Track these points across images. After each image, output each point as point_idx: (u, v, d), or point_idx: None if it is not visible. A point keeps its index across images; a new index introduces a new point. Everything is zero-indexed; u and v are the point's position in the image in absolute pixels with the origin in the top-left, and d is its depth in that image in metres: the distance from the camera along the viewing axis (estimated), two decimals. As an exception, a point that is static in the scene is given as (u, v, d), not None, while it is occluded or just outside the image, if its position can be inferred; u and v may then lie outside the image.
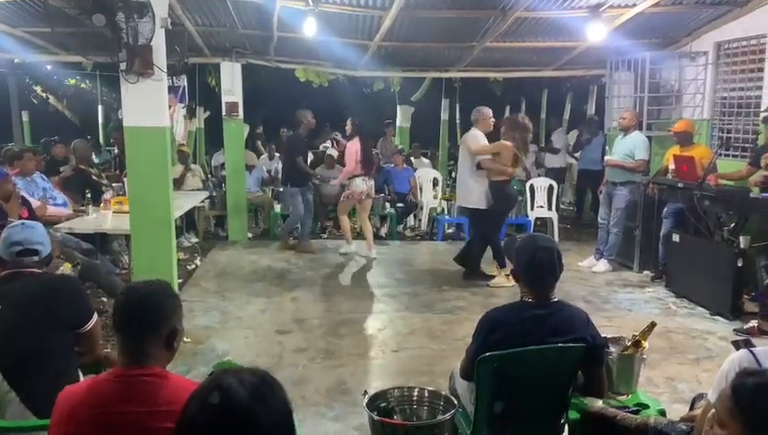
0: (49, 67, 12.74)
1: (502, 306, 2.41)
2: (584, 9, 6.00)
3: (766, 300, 4.70)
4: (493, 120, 6.16)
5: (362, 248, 7.25)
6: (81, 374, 2.43)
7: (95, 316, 2.42)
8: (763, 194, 4.90)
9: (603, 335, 2.70)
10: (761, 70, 6.10)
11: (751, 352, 1.84)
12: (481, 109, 6.17)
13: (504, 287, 5.64)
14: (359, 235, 7.66)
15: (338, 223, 8.68)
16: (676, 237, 5.70)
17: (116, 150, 9.51)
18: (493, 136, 6.14)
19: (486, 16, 6.37)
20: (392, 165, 9.46)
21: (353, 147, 6.91)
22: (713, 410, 1.25)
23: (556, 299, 2.38)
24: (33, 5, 6.06)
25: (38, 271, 2.47)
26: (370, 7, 6.04)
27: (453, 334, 4.68)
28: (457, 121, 12.91)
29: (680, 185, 5.53)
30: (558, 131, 10.51)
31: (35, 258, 2.45)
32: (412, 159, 10.18)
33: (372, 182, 7.15)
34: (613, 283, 6.17)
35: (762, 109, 5.95)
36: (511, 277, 5.63)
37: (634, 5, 5.95)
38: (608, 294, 5.77)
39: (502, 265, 5.83)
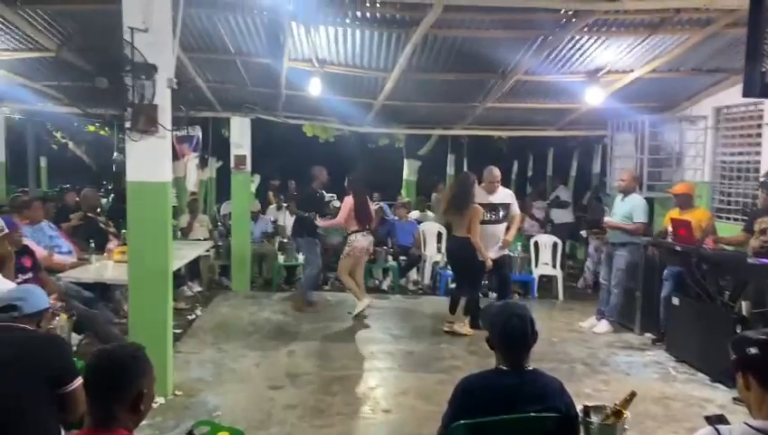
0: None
1: (477, 373, 2.42)
2: (582, 74, 6.16)
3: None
4: (496, 183, 6.37)
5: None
6: (62, 433, 2.45)
7: (79, 379, 2.41)
8: (760, 260, 4.88)
9: (585, 403, 2.69)
10: (759, 135, 6.17)
11: (716, 429, 1.84)
12: (487, 168, 6.46)
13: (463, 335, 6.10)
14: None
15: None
16: (675, 301, 5.65)
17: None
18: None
19: (487, 79, 6.56)
20: (396, 217, 9.56)
21: (347, 203, 6.91)
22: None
23: (531, 367, 2.38)
24: (50, 62, 6.36)
25: (28, 327, 2.52)
26: (373, 69, 6.25)
27: (446, 396, 4.50)
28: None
29: (678, 248, 5.53)
30: (562, 187, 10.48)
31: (14, 313, 2.53)
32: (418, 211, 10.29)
33: (371, 238, 7.13)
34: (613, 344, 6.10)
35: (761, 173, 5.99)
36: (467, 326, 6.01)
37: (631, 71, 6.11)
38: (607, 357, 5.70)
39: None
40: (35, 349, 2.45)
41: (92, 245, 5.96)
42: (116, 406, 1.60)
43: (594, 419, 2.74)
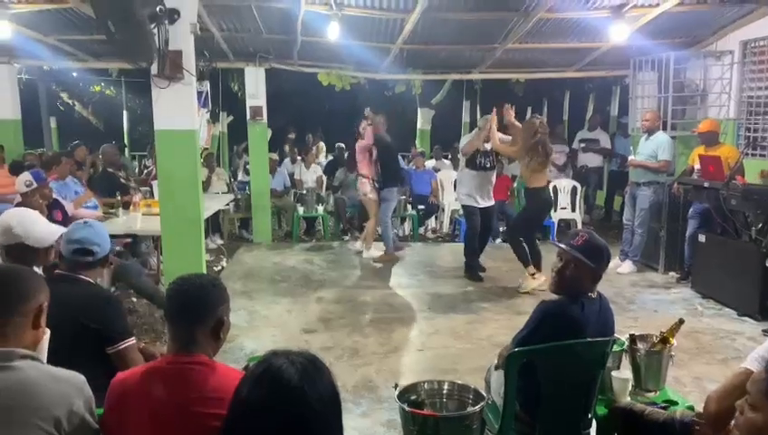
0: (75, 74, 13.06)
1: (557, 300, 2.41)
2: (607, 9, 6.00)
3: None
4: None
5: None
6: None
7: (131, 340, 2.36)
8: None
9: (631, 332, 2.73)
10: (788, 68, 6.03)
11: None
12: (484, 117, 6.44)
13: (533, 288, 5.69)
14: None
15: (359, 224, 8.84)
16: (702, 238, 5.65)
17: (148, 160, 9.72)
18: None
19: (509, 18, 6.40)
20: (413, 167, 9.53)
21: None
22: (746, 396, 1.27)
23: (596, 293, 2.43)
24: (65, 14, 6.25)
25: (90, 281, 2.45)
26: (393, 10, 6.11)
27: (477, 334, 4.71)
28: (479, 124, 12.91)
29: (706, 185, 5.49)
30: (600, 131, 9.65)
31: (90, 258, 2.44)
32: (434, 160, 10.24)
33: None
34: (638, 284, 6.14)
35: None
36: (536, 276, 5.63)
37: (658, 5, 5.93)
38: (633, 295, 5.74)
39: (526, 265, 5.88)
40: (89, 304, 2.37)
41: (119, 198, 5.99)
42: (198, 331, 1.62)
43: (641, 346, 2.78)
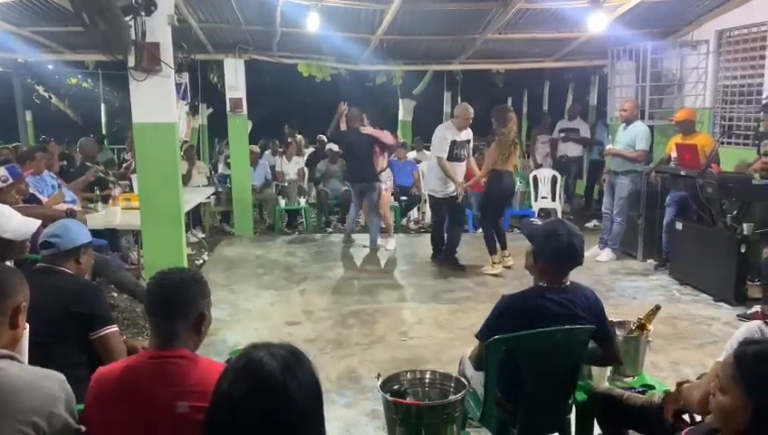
0: (51, 67, 12.84)
1: (518, 293, 2.45)
2: None
3: None
4: (469, 120, 6.18)
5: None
6: None
7: (112, 327, 2.39)
8: (765, 181, 4.94)
9: (609, 319, 2.78)
10: (762, 57, 6.14)
11: (766, 322, 1.91)
12: (462, 104, 6.41)
13: (491, 274, 6.05)
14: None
15: (343, 217, 8.86)
16: (678, 225, 5.74)
17: (127, 153, 9.61)
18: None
19: (488, 8, 6.42)
20: (396, 158, 9.53)
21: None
22: (715, 380, 1.31)
23: (569, 282, 2.45)
24: (38, 5, 6.12)
25: (68, 271, 2.49)
26: (372, 1, 6.09)
27: (459, 323, 4.75)
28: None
29: (683, 173, 5.58)
30: (580, 120, 9.67)
31: (53, 250, 2.48)
32: (415, 152, 10.26)
33: None
34: (617, 271, 6.22)
35: (763, 96, 5.99)
36: (495, 266, 5.88)
37: (635, -6, 6.00)
38: (612, 283, 5.83)
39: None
40: (69, 293, 2.40)
41: (98, 192, 5.92)
42: (179, 326, 1.62)
43: (618, 333, 2.84)
